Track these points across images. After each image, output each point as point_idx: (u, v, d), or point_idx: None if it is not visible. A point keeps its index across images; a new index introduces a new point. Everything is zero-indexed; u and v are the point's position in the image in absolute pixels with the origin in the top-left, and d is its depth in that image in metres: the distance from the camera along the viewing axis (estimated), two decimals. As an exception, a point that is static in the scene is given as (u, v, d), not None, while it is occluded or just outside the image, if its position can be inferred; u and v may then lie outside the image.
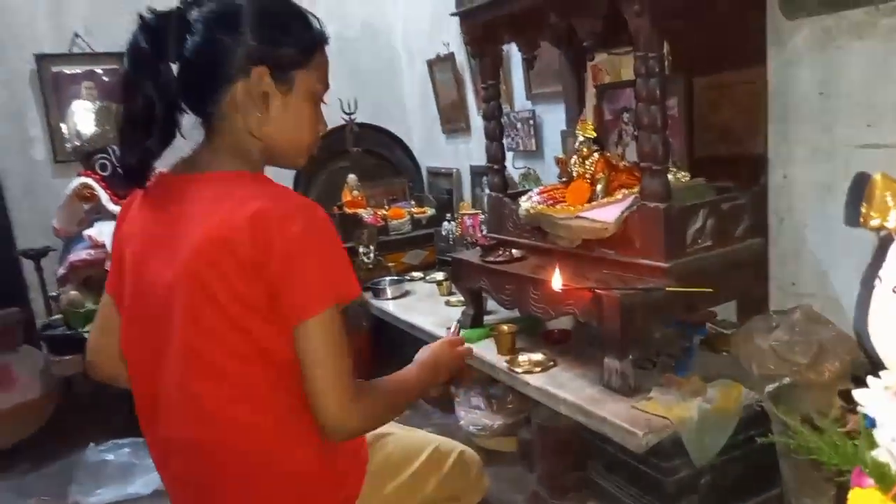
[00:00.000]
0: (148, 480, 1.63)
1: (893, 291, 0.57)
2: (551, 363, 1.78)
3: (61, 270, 2.43)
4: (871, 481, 0.57)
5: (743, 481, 1.56)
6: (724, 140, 1.82)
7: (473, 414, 2.08)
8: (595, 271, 1.70)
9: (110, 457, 2.15)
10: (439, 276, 2.86)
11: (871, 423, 1.40)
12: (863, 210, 0.58)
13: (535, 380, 1.71)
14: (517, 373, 1.76)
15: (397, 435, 1.44)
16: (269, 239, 1.02)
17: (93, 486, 2.11)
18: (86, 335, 2.22)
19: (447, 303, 2.50)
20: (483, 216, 2.81)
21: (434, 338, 2.17)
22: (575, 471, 1.79)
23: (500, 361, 1.85)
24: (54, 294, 2.43)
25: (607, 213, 1.67)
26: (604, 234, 1.68)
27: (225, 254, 1.03)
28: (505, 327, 1.93)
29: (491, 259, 1.98)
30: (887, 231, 0.58)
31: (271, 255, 1.03)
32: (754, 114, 1.75)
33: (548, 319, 1.82)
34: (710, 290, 1.53)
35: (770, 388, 1.53)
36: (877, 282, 0.58)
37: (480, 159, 3.00)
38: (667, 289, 1.52)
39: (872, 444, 0.57)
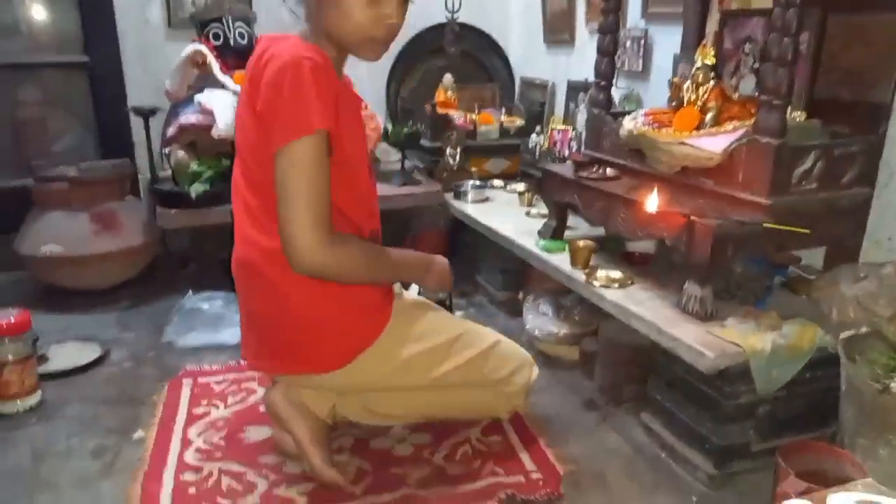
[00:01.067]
0: (236, 332, 1.79)
1: None
2: (629, 281, 1.84)
3: (171, 130, 2.57)
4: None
5: (799, 416, 1.62)
6: (847, 83, 1.76)
7: (540, 319, 2.18)
8: (690, 199, 1.72)
9: (205, 305, 2.35)
10: (521, 186, 2.90)
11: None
12: None
13: (612, 294, 1.78)
14: (595, 286, 1.83)
15: (437, 311, 1.65)
16: (260, 77, 1.26)
17: (186, 329, 2.33)
18: (192, 193, 2.39)
19: (528, 213, 2.55)
20: (573, 132, 2.81)
21: (512, 243, 2.27)
22: (632, 384, 1.88)
23: (579, 274, 1.92)
24: (166, 152, 2.59)
25: (715, 143, 1.66)
26: (707, 164, 1.69)
27: (250, 92, 1.30)
28: (581, 242, 1.99)
29: (584, 175, 2.01)
30: None
31: (258, 92, 1.27)
32: (885, 60, 1.68)
33: (633, 240, 1.87)
34: (807, 231, 1.54)
35: (846, 334, 1.56)
36: None
37: (579, 74, 2.98)
38: (764, 224, 1.53)
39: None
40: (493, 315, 2.62)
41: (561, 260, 2.04)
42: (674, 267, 1.90)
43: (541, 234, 2.23)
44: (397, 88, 3.45)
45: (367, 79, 3.37)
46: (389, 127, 2.76)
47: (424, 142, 2.98)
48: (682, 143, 1.73)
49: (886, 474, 1.39)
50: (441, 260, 1.60)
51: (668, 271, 1.90)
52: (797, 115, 1.74)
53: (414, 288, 2.53)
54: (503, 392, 1.69)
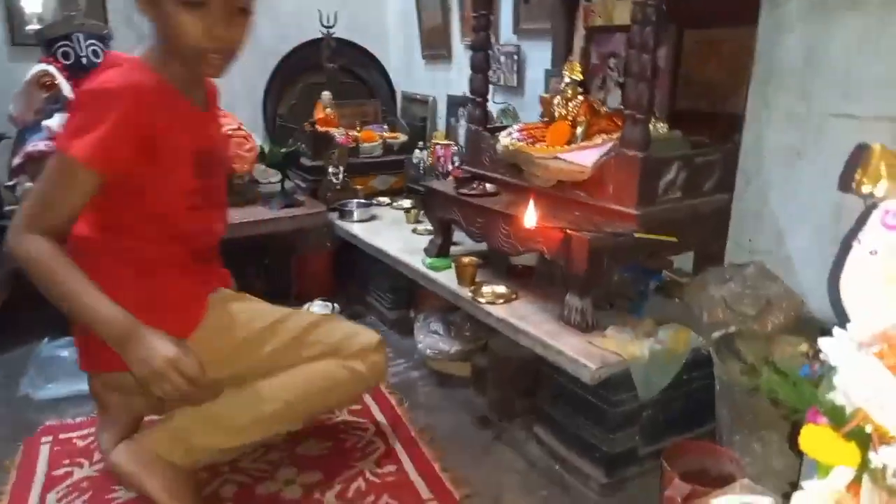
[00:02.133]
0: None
1: (870, 254, 0.62)
2: (513, 296, 1.84)
3: (17, 160, 2.33)
4: (824, 420, 0.63)
5: (680, 417, 1.68)
6: (705, 96, 1.86)
7: (431, 338, 2.15)
8: (566, 212, 1.75)
9: (64, 353, 2.13)
10: (407, 203, 2.87)
11: (807, 373, 1.52)
12: (857, 177, 0.63)
13: (498, 311, 1.77)
14: (480, 303, 1.82)
15: (256, 305, 1.62)
16: None
17: (44, 380, 2.10)
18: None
19: (414, 231, 2.52)
20: (456, 148, 2.81)
21: (399, 262, 2.23)
22: (524, 398, 1.88)
23: (465, 291, 1.90)
24: (12, 183, 2.34)
25: (585, 157, 1.70)
26: (580, 177, 1.72)
27: None
28: (466, 259, 1.98)
29: (465, 191, 2.01)
30: (874, 199, 0.63)
31: None
32: (738, 73, 1.78)
33: (514, 255, 1.88)
34: (675, 239, 1.60)
35: (717, 334, 1.63)
36: (855, 243, 0.63)
37: (459, 89, 2.99)
38: (635, 234, 1.58)
39: (830, 387, 0.64)
40: (384, 335, 2.56)
41: (447, 277, 2.02)
42: (555, 279, 1.93)
43: (427, 251, 2.21)
44: (275, 106, 3.34)
45: (244, 96, 3.24)
46: (266, 147, 2.64)
47: (305, 161, 2.89)
48: (556, 158, 1.76)
49: (762, 468, 1.46)
50: (162, 351, 1.24)
51: (551, 283, 1.92)
52: (660, 127, 1.82)
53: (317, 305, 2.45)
54: (351, 366, 1.61)
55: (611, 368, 1.48)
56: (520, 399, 1.89)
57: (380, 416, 1.94)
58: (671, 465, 1.45)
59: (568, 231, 1.61)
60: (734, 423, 1.50)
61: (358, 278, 2.75)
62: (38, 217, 1.26)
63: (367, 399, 2.02)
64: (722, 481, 1.49)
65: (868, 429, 0.61)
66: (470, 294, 1.87)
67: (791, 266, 1.73)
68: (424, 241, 2.31)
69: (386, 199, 2.96)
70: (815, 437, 0.64)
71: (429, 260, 2.12)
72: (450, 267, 2.07)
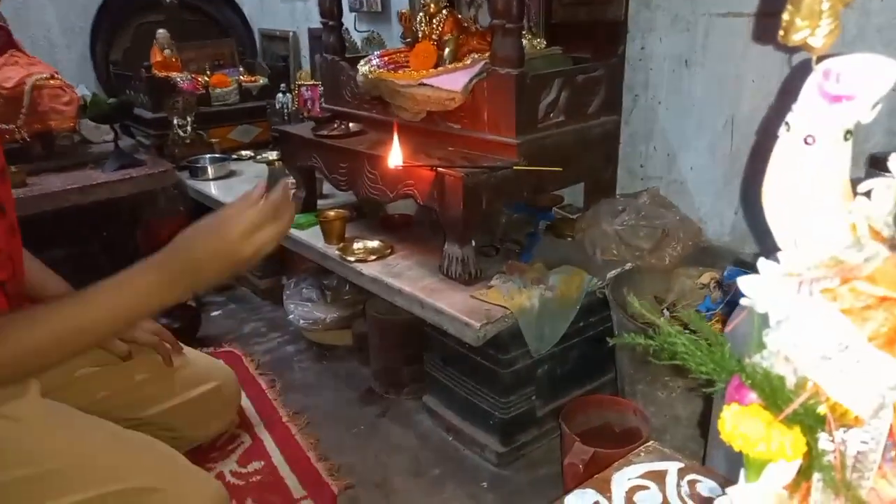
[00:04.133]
0: None
1: (805, 142, 0.41)
2: (388, 251, 1.60)
3: None
4: (754, 396, 0.43)
5: (579, 369, 1.52)
6: (583, 3, 1.64)
7: (304, 307, 1.88)
8: (440, 148, 1.51)
9: None
10: (272, 155, 2.54)
11: (708, 306, 1.37)
12: (785, 17, 0.40)
13: (370, 269, 1.52)
14: (350, 262, 1.56)
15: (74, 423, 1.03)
16: None
17: None
18: None
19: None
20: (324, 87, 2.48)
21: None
22: (411, 364, 1.66)
23: (332, 250, 1.63)
24: None
25: (454, 81, 1.45)
26: (450, 105, 1.47)
27: None
28: (332, 213, 1.71)
29: (324, 133, 1.72)
30: (809, 51, 0.41)
31: None
32: (617, -24, 1.57)
33: (385, 202, 1.62)
34: (559, 168, 1.40)
35: (612, 273, 1.47)
36: (782, 130, 0.41)
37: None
38: (514, 167, 1.36)
39: (758, 347, 0.43)
40: (257, 306, 2.27)
41: (313, 236, 1.74)
42: (435, 226, 1.70)
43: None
44: (106, 51, 2.85)
45: (63, 41, 2.75)
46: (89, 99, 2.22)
47: (145, 113, 2.48)
48: (422, 84, 1.50)
49: (668, 417, 1.31)
50: (214, 233, 0.83)
51: (432, 233, 1.69)
52: (537, 43, 1.59)
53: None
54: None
55: (497, 325, 1.28)
56: (407, 367, 1.67)
57: (246, 403, 1.67)
58: (570, 425, 1.28)
59: (439, 169, 1.37)
60: (636, 372, 1.34)
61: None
62: None
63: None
64: (627, 437, 1.34)
65: (820, 408, 0.40)
66: (338, 252, 1.61)
67: (685, 190, 1.58)
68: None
69: (248, 153, 2.60)
70: (742, 422, 0.43)
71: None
72: (315, 223, 1.79)
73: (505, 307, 1.30)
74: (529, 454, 1.45)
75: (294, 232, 1.78)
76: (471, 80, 1.43)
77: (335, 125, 1.75)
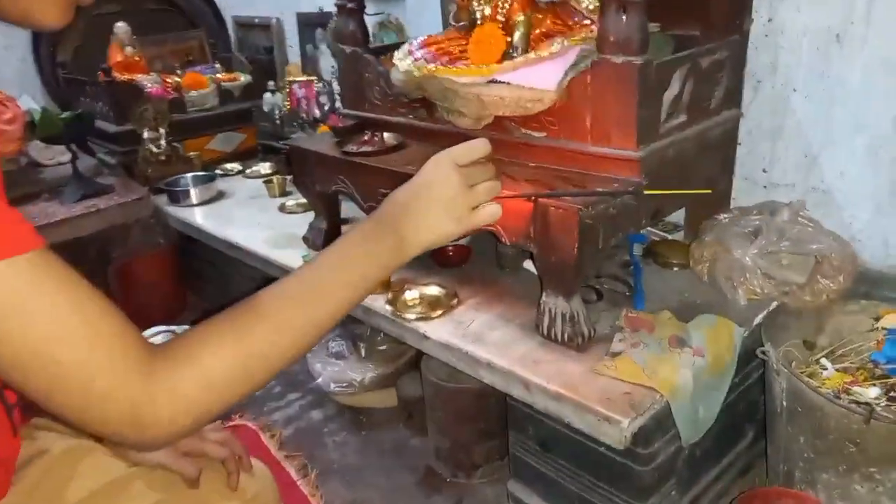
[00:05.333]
0: None
1: None
2: (454, 301, 1.23)
3: None
4: None
5: (715, 442, 1.17)
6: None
7: (335, 366, 1.50)
8: (517, 166, 1.14)
9: None
10: (265, 168, 2.14)
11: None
12: None
13: (436, 330, 1.15)
14: (408, 320, 1.18)
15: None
16: None
17: None
18: None
19: (282, 208, 1.81)
20: (321, 84, 2.08)
21: (268, 262, 1.53)
22: (486, 441, 1.31)
23: (378, 302, 1.26)
24: None
25: (543, 75, 1.08)
26: (534, 109, 1.11)
27: None
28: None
29: (354, 148, 1.33)
30: None
31: None
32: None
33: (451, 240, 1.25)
34: (709, 190, 1.04)
35: (758, 319, 1.13)
36: None
37: (311, 4, 2.22)
38: (646, 191, 0.99)
39: None
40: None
41: (345, 279, 1.35)
42: (504, 258, 1.34)
43: (308, 241, 1.52)
44: (52, 51, 2.39)
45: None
46: (37, 115, 1.78)
47: (107, 127, 2.04)
48: (493, 82, 1.13)
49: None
50: (424, 182, 0.74)
51: (499, 266, 1.34)
52: (633, 20, 1.22)
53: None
54: None
55: (646, 415, 0.92)
56: (480, 444, 1.31)
57: (277, 505, 1.28)
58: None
59: (539, 199, 1.00)
60: (818, 455, 1.00)
61: (215, 282, 2.01)
62: (122, 347, 0.57)
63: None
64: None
65: None
66: (388, 307, 1.23)
67: (831, 202, 1.24)
68: (300, 222, 1.64)
69: (235, 166, 2.19)
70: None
71: (306, 258, 1.44)
72: (345, 262, 1.41)
73: (652, 388, 0.94)
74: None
75: (319, 275, 1.39)
76: (567, 73, 1.06)
77: (365, 137, 1.37)
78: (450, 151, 0.74)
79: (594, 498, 1.08)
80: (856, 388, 1.05)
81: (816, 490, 1.02)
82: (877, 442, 0.91)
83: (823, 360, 1.15)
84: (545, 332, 1.08)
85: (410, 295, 1.25)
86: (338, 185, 1.37)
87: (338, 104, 1.98)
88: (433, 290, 1.26)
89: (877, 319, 1.15)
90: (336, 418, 1.57)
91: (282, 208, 1.82)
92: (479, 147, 0.75)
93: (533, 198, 1.00)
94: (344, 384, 1.48)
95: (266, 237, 1.62)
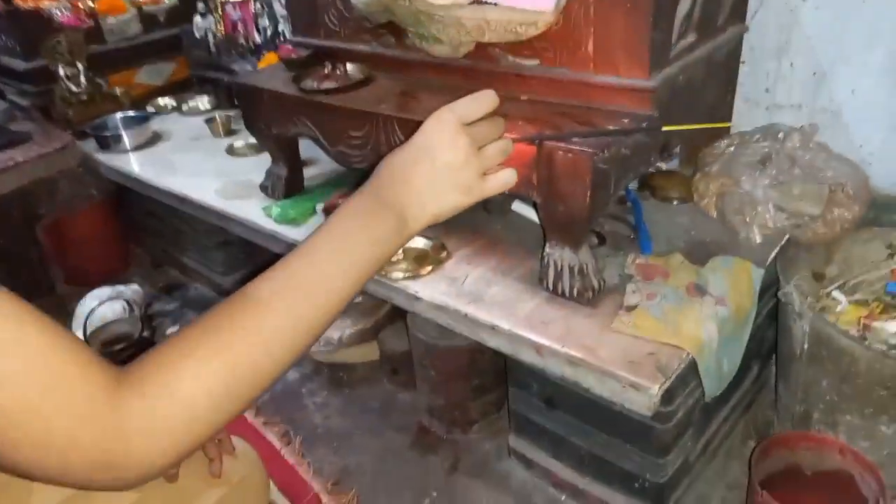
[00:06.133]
0: None
1: None
2: (443, 254, 1.11)
3: None
4: None
5: (728, 384, 1.12)
6: None
7: (309, 325, 1.38)
8: (508, 101, 1.00)
9: None
10: (204, 103, 1.92)
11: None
12: None
13: (429, 289, 1.04)
14: (396, 279, 1.07)
15: None
16: None
17: None
18: None
19: (230, 151, 1.63)
20: (260, 4, 1.84)
21: (223, 217, 1.37)
22: (481, 397, 1.23)
23: (357, 258, 1.13)
24: None
25: (538, -8, 0.93)
26: (528, 32, 0.96)
27: None
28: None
29: (314, 85, 1.16)
30: None
31: None
32: None
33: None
34: (728, 124, 0.94)
35: (771, 255, 1.06)
36: None
37: None
38: (664, 128, 0.88)
39: None
40: (225, 309, 1.73)
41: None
42: (490, 203, 1.22)
43: (267, 191, 1.36)
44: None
45: None
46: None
47: (13, 63, 1.78)
48: (476, 2, 0.97)
49: (887, 455, 0.96)
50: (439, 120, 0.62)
51: (485, 211, 1.22)
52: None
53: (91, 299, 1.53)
54: None
55: (672, 375, 0.85)
56: (476, 400, 1.23)
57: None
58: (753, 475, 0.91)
59: (543, 142, 0.87)
60: (841, 398, 0.96)
61: (162, 234, 1.83)
62: (85, 377, 0.46)
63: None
64: (828, 483, 0.98)
65: None
66: (368, 264, 1.10)
67: (839, 123, 1.16)
68: (253, 166, 1.48)
69: (169, 102, 1.96)
70: None
71: (276, 209, 1.29)
72: (314, 213, 1.27)
73: (678, 346, 0.86)
74: (686, 511, 1.08)
75: (285, 230, 1.25)
76: (565, -9, 0.92)
77: (325, 71, 1.19)
78: (453, 108, 0.62)
79: (608, 455, 1.02)
80: (875, 324, 1.01)
81: (837, 431, 0.99)
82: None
83: (836, 293, 1.10)
84: (551, 286, 0.98)
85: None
86: (298, 128, 1.20)
87: (282, 28, 1.76)
88: (418, 243, 1.14)
89: (889, 247, 1.10)
90: (314, 377, 1.46)
91: (230, 151, 1.63)
92: (486, 99, 0.63)
93: (537, 141, 0.87)
94: (321, 343, 1.37)
95: (218, 187, 1.44)
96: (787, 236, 1.07)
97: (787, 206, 1.07)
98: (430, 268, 1.08)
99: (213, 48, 1.92)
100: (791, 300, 0.97)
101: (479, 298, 1.00)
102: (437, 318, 1.03)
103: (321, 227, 0.60)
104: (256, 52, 1.80)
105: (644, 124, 0.90)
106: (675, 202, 1.21)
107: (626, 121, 0.91)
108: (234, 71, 1.80)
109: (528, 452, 1.16)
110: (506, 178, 0.66)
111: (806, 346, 0.97)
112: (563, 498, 1.12)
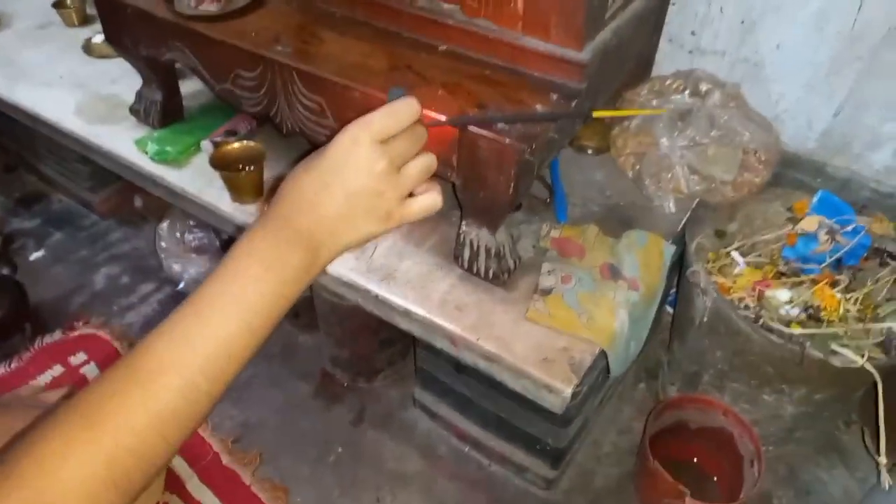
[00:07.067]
0: None
1: None
2: (349, 215, 1.02)
3: None
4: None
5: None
6: None
7: (197, 264, 1.27)
8: (424, 51, 0.88)
9: None
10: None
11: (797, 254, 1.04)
12: None
13: (335, 262, 0.95)
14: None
15: None
16: None
17: None
18: None
19: (88, 49, 1.37)
20: None
21: (86, 146, 1.18)
22: (387, 349, 1.21)
23: (251, 210, 1.02)
24: None
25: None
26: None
27: None
28: (236, 145, 1.04)
29: (191, 5, 0.96)
30: None
31: None
32: None
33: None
34: (663, 110, 0.87)
35: (683, 221, 1.06)
36: None
37: None
38: (594, 114, 0.80)
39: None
40: (98, 234, 1.56)
41: (201, 181, 1.08)
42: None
43: (139, 115, 1.17)
44: None
45: None
46: None
47: None
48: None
49: (772, 420, 1.04)
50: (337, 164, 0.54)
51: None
52: None
53: None
54: None
55: (582, 371, 0.85)
56: (382, 351, 1.21)
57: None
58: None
59: (469, 128, 0.78)
60: (731, 368, 1.01)
61: (14, 131, 1.57)
62: None
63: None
64: (707, 436, 1.07)
65: None
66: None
67: (760, 76, 1.13)
68: (119, 73, 1.27)
69: None
70: None
71: (152, 145, 1.11)
72: (198, 151, 1.12)
73: (590, 340, 0.86)
74: (583, 465, 1.14)
75: (163, 174, 1.10)
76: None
77: (202, -13, 0.99)
78: (368, 124, 0.54)
79: (513, 420, 1.05)
80: (768, 293, 1.04)
81: (723, 394, 1.05)
82: (796, 369, 0.92)
83: (734, 254, 1.12)
84: (465, 264, 0.93)
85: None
86: (174, 54, 1.01)
87: None
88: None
89: (789, 209, 1.12)
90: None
91: (87, 49, 1.37)
92: (405, 112, 0.55)
93: (459, 124, 0.78)
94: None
95: (78, 103, 1.23)
96: (696, 200, 1.07)
97: (701, 169, 1.05)
98: (334, 234, 0.98)
99: None
100: (697, 280, 0.98)
101: (390, 275, 0.94)
102: (347, 295, 0.96)
103: (218, 270, 0.52)
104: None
105: (574, 103, 0.82)
106: (589, 151, 1.16)
107: (555, 97, 0.82)
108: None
109: (432, 406, 1.17)
110: (429, 204, 0.60)
111: (706, 319, 1.00)
112: (467, 449, 1.16)
